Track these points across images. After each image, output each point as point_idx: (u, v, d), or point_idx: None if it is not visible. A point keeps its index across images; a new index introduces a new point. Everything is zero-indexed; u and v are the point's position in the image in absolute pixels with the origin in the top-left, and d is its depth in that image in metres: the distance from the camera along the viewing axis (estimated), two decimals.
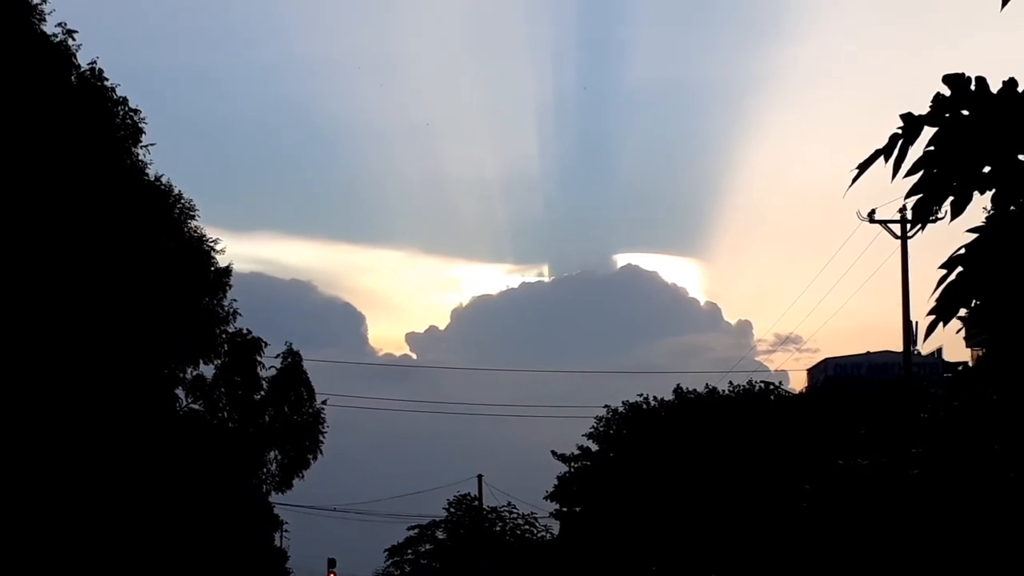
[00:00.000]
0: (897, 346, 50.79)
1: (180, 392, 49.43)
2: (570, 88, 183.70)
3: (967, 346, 55.70)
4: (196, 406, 52.37)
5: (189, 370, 47.53)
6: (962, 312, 7.47)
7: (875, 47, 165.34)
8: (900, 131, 7.46)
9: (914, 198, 7.49)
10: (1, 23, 33.48)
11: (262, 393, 54.91)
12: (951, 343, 66.74)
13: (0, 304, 32.48)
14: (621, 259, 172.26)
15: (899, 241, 48.36)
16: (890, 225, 48.44)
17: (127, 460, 38.01)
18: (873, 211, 48.12)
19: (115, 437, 37.00)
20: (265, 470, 54.83)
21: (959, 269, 7.35)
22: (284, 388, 55.45)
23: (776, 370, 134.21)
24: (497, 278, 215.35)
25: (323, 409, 56.28)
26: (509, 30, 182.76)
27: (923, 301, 7.75)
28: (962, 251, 7.27)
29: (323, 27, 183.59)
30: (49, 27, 36.02)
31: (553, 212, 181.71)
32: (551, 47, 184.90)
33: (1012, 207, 7.42)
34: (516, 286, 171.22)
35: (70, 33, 36.40)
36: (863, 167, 7.52)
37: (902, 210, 47.83)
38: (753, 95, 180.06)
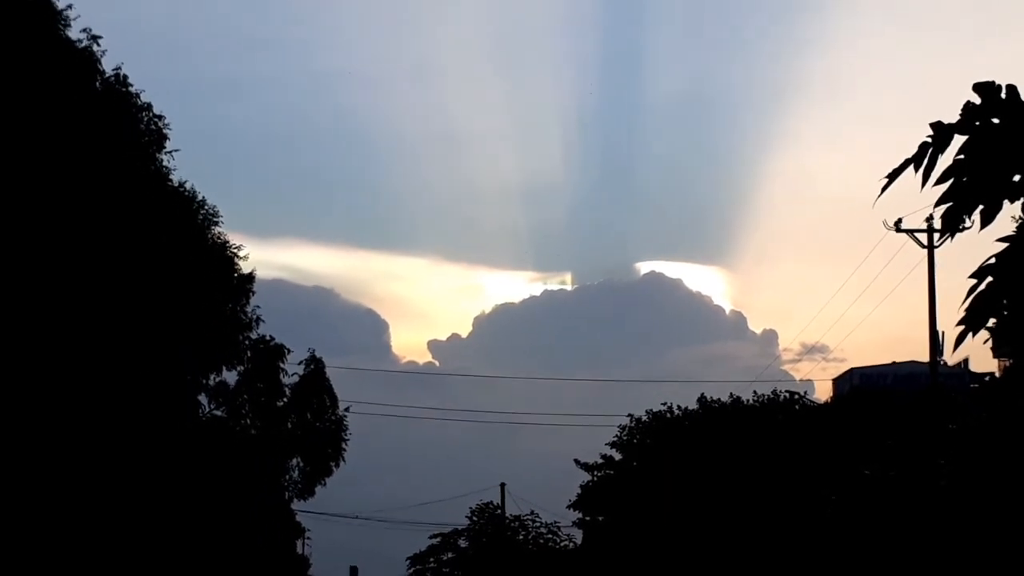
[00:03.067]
0: (923, 356, 50.60)
1: (203, 398, 49.46)
2: (594, 97, 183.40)
3: (994, 356, 55.36)
4: (219, 412, 52.37)
5: (212, 376, 47.57)
6: (990, 323, 7.35)
7: (903, 54, 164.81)
8: (930, 140, 7.34)
9: (943, 207, 7.36)
10: (27, 29, 33.57)
11: (285, 400, 54.88)
12: (978, 353, 66.40)
13: (25, 311, 32.52)
14: (644, 267, 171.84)
15: (926, 250, 48.13)
16: (917, 234, 48.22)
17: (150, 466, 38.00)
18: (900, 220, 47.94)
19: (139, 443, 37.01)
20: (287, 477, 54.80)
21: (989, 279, 7.22)
22: (307, 395, 55.40)
23: (802, 380, 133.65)
24: (520, 286, 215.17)
25: (346, 416, 56.23)
26: (535, 40, 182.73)
27: (950, 311, 7.63)
28: (992, 261, 7.15)
29: (349, 37, 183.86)
30: (74, 33, 36.14)
31: (576, 220, 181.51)
32: (576, 56, 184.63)
33: None
34: (539, 294, 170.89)
35: (95, 39, 36.48)
36: (893, 176, 7.40)
37: (929, 219, 47.61)
38: (779, 103, 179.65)
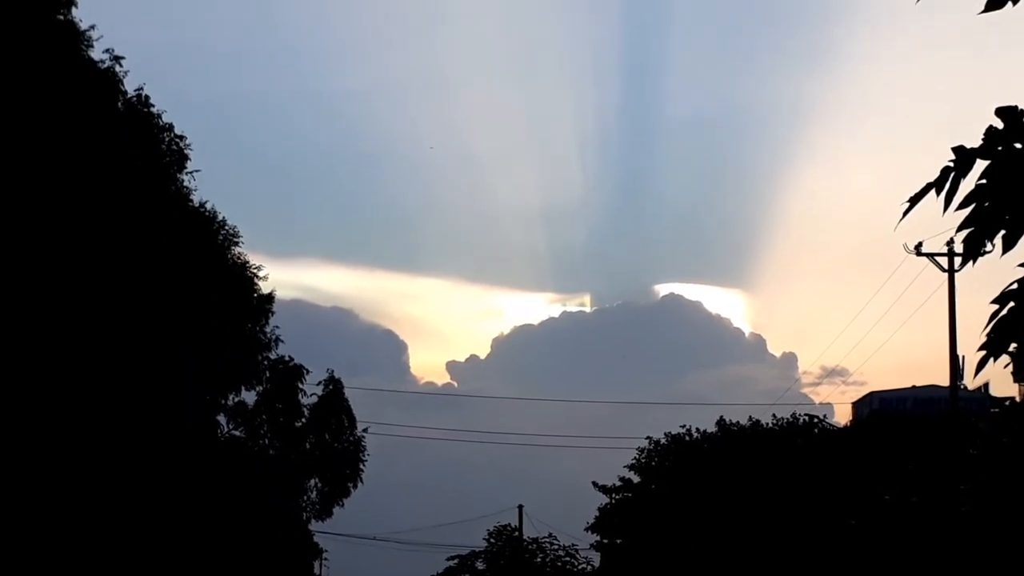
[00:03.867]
0: (943, 380, 50.46)
1: (222, 418, 49.53)
2: (613, 117, 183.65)
3: (1015, 381, 55.17)
4: (237, 432, 52.43)
5: (231, 396, 47.65)
6: (1011, 347, 7.33)
7: (925, 76, 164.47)
8: (952, 164, 7.32)
9: (964, 232, 7.35)
10: (51, 50, 33.75)
11: (303, 420, 54.90)
12: (999, 378, 66.12)
13: (44, 329, 32.64)
14: (663, 289, 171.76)
15: (946, 274, 47.99)
16: (937, 258, 48.10)
17: (169, 485, 38.06)
18: (920, 244, 47.80)
19: (159, 462, 37.07)
20: (305, 497, 54.79)
21: (1011, 304, 7.20)
22: (325, 416, 55.42)
23: (821, 403, 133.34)
24: (539, 307, 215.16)
25: (364, 437, 56.23)
26: (553, 60, 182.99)
27: (971, 335, 7.61)
28: (1014, 286, 7.13)
29: (369, 56, 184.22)
30: (96, 53, 36.32)
31: (595, 241, 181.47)
32: (594, 76, 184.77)
33: None
34: (558, 315, 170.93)
35: (117, 59, 36.66)
36: (914, 200, 7.39)
37: (950, 243, 47.47)
38: (799, 124, 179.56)
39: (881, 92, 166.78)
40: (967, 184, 7.36)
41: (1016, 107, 7.38)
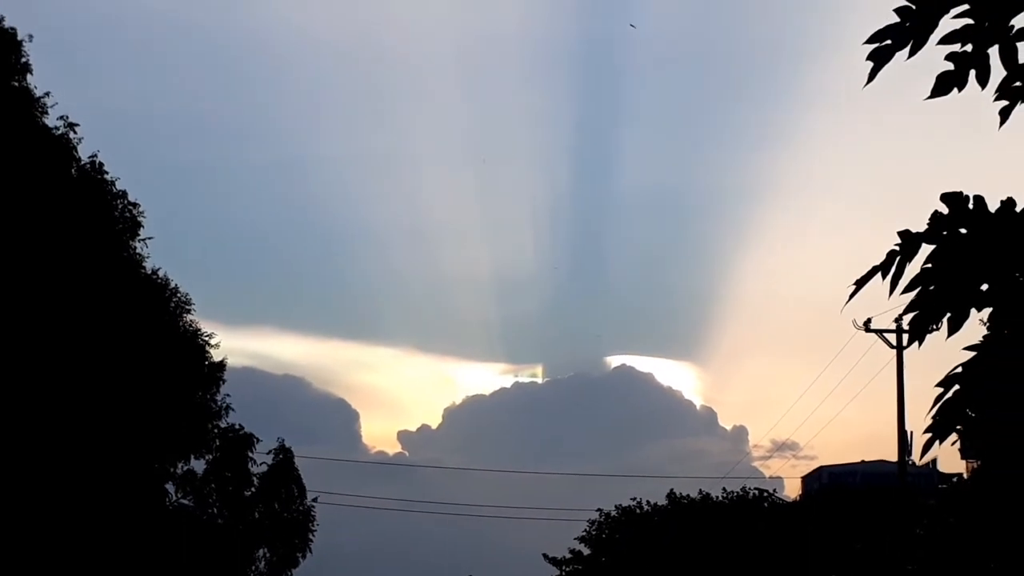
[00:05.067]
0: (892, 455, 50.62)
1: (170, 487, 49.16)
2: (566, 191, 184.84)
3: (962, 458, 55.54)
4: (186, 501, 52.03)
5: (180, 464, 47.30)
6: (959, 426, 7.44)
7: (872, 156, 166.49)
8: (898, 248, 7.45)
9: (911, 315, 7.47)
10: (4, 115, 33.72)
11: (253, 489, 54.59)
12: (947, 453, 66.54)
13: None
14: (615, 361, 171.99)
15: (895, 350, 48.33)
16: (886, 335, 48.45)
17: (116, 553, 37.66)
18: (869, 320, 48.13)
19: (105, 531, 36.70)
20: (254, 567, 54.37)
21: (956, 387, 7.32)
22: (275, 484, 55.13)
23: (771, 476, 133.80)
24: (491, 378, 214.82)
25: (313, 506, 55.93)
26: (505, 135, 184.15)
27: (919, 410, 7.75)
28: (959, 370, 7.24)
29: (320, 128, 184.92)
30: (51, 120, 36.34)
31: (547, 313, 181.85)
32: (548, 151, 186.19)
33: (1010, 326, 7.40)
34: (509, 386, 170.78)
35: (71, 126, 36.72)
36: (860, 283, 7.50)
37: (898, 320, 47.83)
38: (750, 202, 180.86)
39: (832, 173, 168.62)
40: (913, 268, 7.49)
41: (961, 192, 7.52)
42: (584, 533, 70.57)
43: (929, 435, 7.30)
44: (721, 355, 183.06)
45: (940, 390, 7.33)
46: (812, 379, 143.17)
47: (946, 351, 7.56)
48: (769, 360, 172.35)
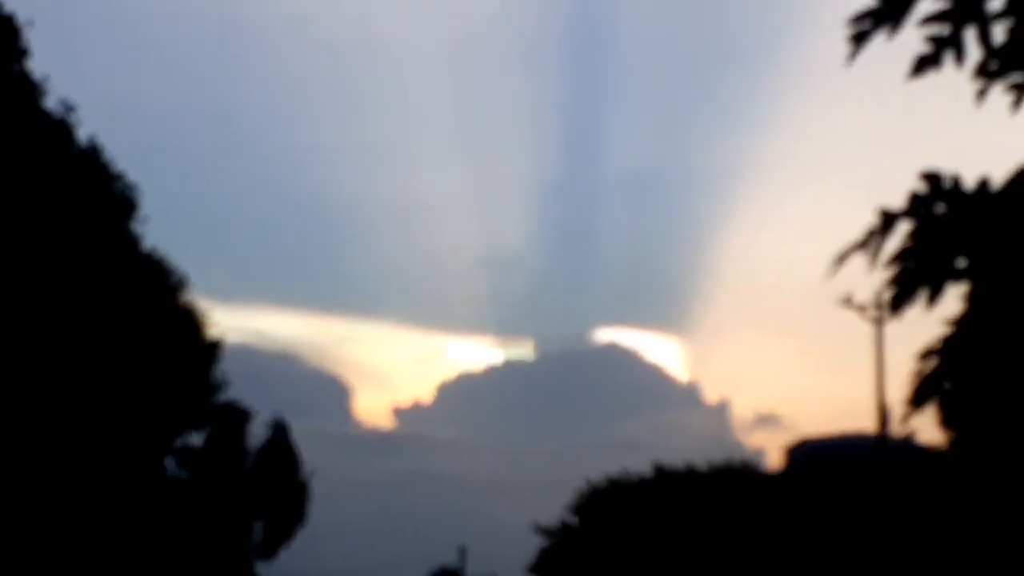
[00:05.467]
0: (872, 427, 50.98)
1: (168, 461, 49.42)
2: (555, 166, 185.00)
3: (943, 428, 55.72)
4: (184, 475, 52.32)
5: (178, 439, 47.54)
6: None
7: (855, 134, 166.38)
8: (877, 225, 7.69)
9: (890, 290, 7.72)
10: (5, 99, 33.90)
11: (249, 463, 54.84)
12: (926, 424, 66.73)
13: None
14: (603, 335, 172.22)
15: (876, 325, 48.68)
16: (867, 310, 48.76)
17: (116, 527, 37.94)
18: (850, 296, 48.45)
19: (104, 504, 36.96)
20: (251, 540, 54.66)
21: (933, 359, 7.57)
22: (271, 459, 55.40)
23: (755, 449, 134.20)
24: (481, 353, 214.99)
25: (309, 480, 56.21)
26: (496, 114, 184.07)
27: (900, 382, 8.02)
28: (937, 343, 7.49)
29: (314, 109, 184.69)
30: (51, 103, 36.52)
31: (537, 288, 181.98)
32: (536, 126, 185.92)
33: (986, 301, 7.64)
34: (499, 361, 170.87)
35: (70, 109, 36.91)
36: (840, 260, 7.76)
37: (878, 294, 48.07)
38: (735, 179, 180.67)
39: (816, 150, 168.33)
40: (892, 244, 7.73)
41: (938, 171, 7.77)
42: (574, 504, 71.16)
43: (908, 407, 7.59)
44: (706, 330, 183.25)
45: (919, 363, 7.61)
46: (795, 354, 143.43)
47: (926, 322, 7.82)
48: (753, 334, 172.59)
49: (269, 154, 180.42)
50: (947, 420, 8.12)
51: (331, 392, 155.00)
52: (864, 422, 75.77)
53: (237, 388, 50.90)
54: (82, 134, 37.87)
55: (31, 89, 35.29)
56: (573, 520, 71.49)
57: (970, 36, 7.72)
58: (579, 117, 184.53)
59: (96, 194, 37.04)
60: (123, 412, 36.96)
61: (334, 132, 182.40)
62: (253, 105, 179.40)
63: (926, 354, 7.51)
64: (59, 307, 33.85)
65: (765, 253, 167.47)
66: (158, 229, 63.29)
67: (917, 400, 7.55)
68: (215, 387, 47.15)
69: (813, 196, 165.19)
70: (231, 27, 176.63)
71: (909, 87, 7.97)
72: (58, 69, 36.70)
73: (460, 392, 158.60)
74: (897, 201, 7.80)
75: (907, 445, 62.21)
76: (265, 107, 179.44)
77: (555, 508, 73.57)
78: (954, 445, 46.56)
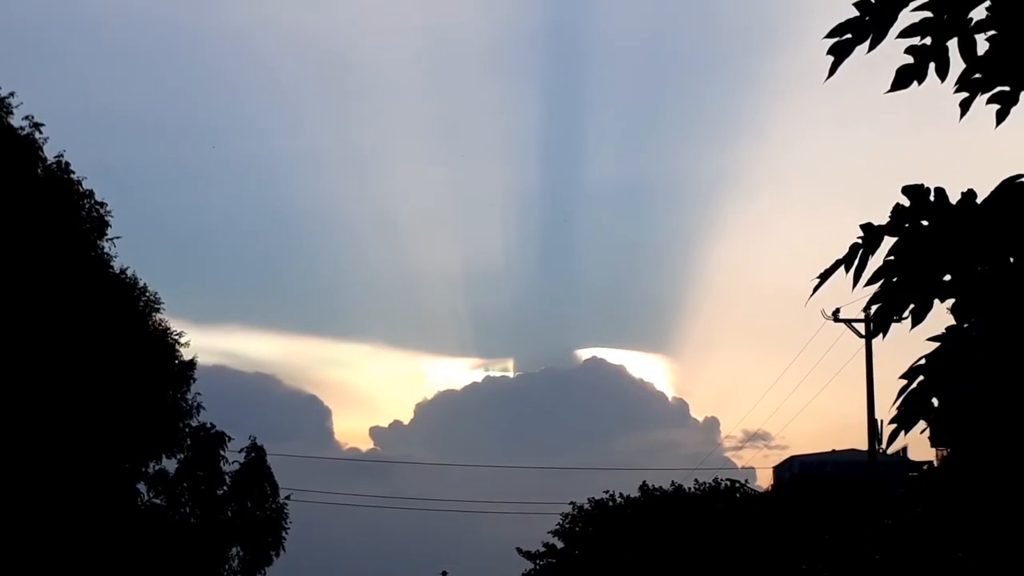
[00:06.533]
0: (863, 444, 50.93)
1: (142, 486, 49.02)
2: (535, 185, 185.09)
3: (932, 446, 55.83)
4: (158, 500, 51.91)
5: (151, 464, 47.16)
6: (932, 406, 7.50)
7: (837, 148, 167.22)
8: (860, 241, 7.51)
9: (875, 306, 7.54)
10: None
11: (225, 488, 54.47)
12: (916, 441, 66.92)
13: None
14: (585, 353, 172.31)
15: (864, 339, 48.48)
16: (855, 324, 48.61)
17: (88, 555, 37.55)
18: (838, 310, 48.31)
19: (76, 532, 36.59)
20: (227, 566, 54.26)
21: (920, 378, 7.38)
22: (247, 483, 55.02)
23: (743, 467, 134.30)
24: (462, 373, 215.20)
25: (286, 504, 55.86)
26: (475, 130, 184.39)
27: (889, 399, 7.82)
28: (923, 361, 7.30)
29: (293, 125, 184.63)
30: (16, 120, 36.21)
31: (518, 307, 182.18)
32: (516, 146, 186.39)
33: (972, 317, 7.46)
34: (481, 380, 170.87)
35: (37, 126, 36.60)
36: (824, 277, 7.57)
37: (866, 309, 47.95)
38: (717, 195, 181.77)
39: (799, 164, 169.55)
40: (876, 260, 7.55)
41: (922, 185, 7.58)
42: (557, 526, 70.67)
43: (894, 426, 7.38)
44: (692, 347, 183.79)
45: (905, 381, 7.40)
46: (783, 369, 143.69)
47: (917, 339, 7.62)
48: (740, 351, 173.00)
49: (243, 170, 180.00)
50: (936, 438, 7.93)
51: (309, 413, 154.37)
52: (855, 438, 75.62)
53: (213, 411, 50.58)
54: (49, 151, 37.58)
55: None
56: (557, 543, 71.15)
57: (952, 48, 7.58)
58: (560, 132, 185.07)
59: (64, 213, 36.73)
60: (92, 437, 36.60)
61: (312, 151, 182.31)
62: (229, 121, 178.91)
63: (912, 372, 7.32)
64: (25, 331, 33.51)
65: (751, 267, 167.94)
66: (130, 249, 62.86)
67: (903, 419, 7.36)
68: (189, 410, 46.80)
69: (800, 209, 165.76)
70: (207, 43, 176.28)
71: (896, 99, 7.78)
72: (25, 84, 36.35)
73: (439, 412, 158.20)
74: (884, 210, 7.63)
75: (899, 461, 62.32)
76: (241, 124, 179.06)
77: (539, 531, 73.25)
78: (945, 461, 46.55)
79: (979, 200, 7.38)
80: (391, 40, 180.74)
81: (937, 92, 7.68)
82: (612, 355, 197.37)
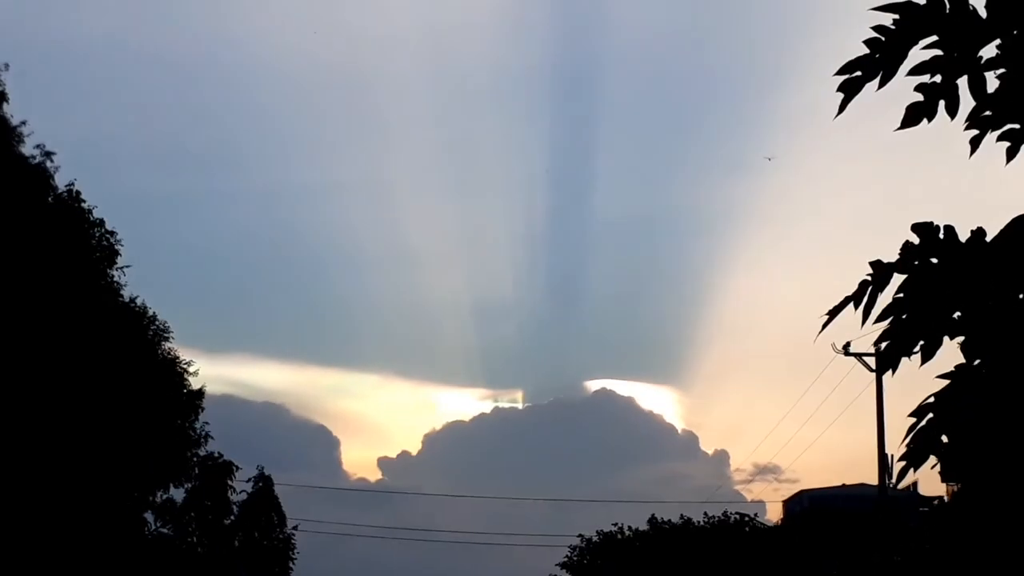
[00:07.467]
0: (873, 478, 50.67)
1: (149, 516, 48.94)
2: (545, 217, 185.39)
3: (942, 481, 55.56)
4: (165, 530, 51.83)
5: (159, 493, 47.12)
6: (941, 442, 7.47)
7: (848, 184, 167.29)
8: (869, 277, 7.49)
9: (884, 343, 7.51)
10: None
11: (232, 517, 54.41)
12: (927, 476, 66.71)
13: None
14: (595, 385, 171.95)
15: (874, 374, 48.31)
16: (865, 358, 48.49)
17: None
18: (848, 344, 48.20)
19: (83, 562, 36.53)
20: None
21: (929, 416, 7.35)
22: (255, 513, 54.97)
23: (753, 500, 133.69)
24: (470, 403, 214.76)
25: (293, 534, 55.80)
26: (486, 161, 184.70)
27: (899, 433, 7.77)
28: (931, 399, 7.27)
29: (306, 155, 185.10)
30: (28, 149, 36.34)
31: (527, 338, 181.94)
32: (526, 177, 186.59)
33: (981, 355, 7.43)
34: (489, 411, 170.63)
35: (48, 155, 36.73)
36: (833, 313, 7.54)
37: (877, 343, 47.83)
38: (728, 227, 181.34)
39: (810, 198, 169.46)
40: (885, 297, 7.53)
41: (931, 223, 7.56)
42: (565, 559, 70.43)
43: (903, 463, 7.34)
44: (702, 379, 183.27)
45: (915, 418, 7.37)
46: (793, 403, 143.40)
47: (927, 374, 7.59)
48: (750, 384, 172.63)
49: (254, 200, 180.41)
50: (947, 473, 7.90)
51: (318, 443, 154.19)
52: (865, 473, 75.46)
53: (221, 440, 50.55)
54: (60, 180, 37.69)
55: (7, 134, 35.12)
56: None
57: (962, 85, 7.57)
58: (571, 165, 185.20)
59: (74, 242, 36.80)
60: (101, 466, 36.57)
61: (323, 183, 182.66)
62: (239, 152, 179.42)
63: (921, 410, 7.29)
64: (35, 359, 33.54)
65: (761, 300, 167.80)
66: (140, 278, 62.92)
67: (913, 457, 7.33)
68: (197, 440, 46.78)
69: (811, 242, 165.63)
70: (220, 73, 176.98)
71: (903, 135, 7.77)
72: (34, 114, 36.54)
73: (447, 442, 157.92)
74: (894, 245, 7.62)
75: (909, 496, 62.04)
76: (251, 155, 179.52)
77: (547, 563, 72.98)
78: (955, 497, 46.41)
79: (988, 238, 7.36)
80: (405, 74, 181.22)
81: (947, 130, 7.67)
82: (621, 387, 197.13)
